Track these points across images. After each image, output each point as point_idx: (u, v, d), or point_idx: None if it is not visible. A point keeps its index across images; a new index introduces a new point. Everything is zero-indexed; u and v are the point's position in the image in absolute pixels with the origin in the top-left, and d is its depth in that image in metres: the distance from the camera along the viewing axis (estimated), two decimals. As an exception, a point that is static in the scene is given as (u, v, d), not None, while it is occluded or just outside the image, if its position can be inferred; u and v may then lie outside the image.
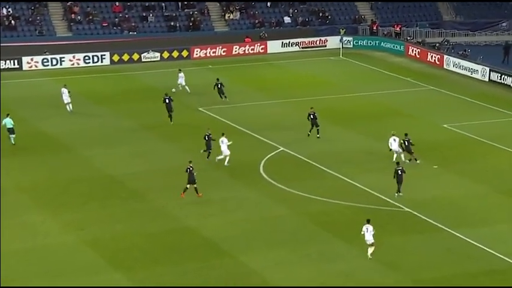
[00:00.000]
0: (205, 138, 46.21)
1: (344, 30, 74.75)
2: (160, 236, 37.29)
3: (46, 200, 41.23)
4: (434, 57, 70.00)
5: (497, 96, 60.87)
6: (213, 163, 46.06)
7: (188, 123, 53.99)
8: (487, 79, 65.01)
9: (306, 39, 74.64)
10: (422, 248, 36.38)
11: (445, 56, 69.21)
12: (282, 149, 48.88)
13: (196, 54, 71.85)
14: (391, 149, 45.57)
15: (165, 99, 52.91)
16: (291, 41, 74.11)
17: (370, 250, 35.04)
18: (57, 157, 47.24)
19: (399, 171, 41.49)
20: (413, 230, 38.28)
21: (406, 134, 45.75)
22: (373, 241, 34.98)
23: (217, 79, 58.13)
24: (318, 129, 50.19)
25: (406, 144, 45.44)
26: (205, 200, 41.06)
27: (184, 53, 71.37)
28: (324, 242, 37.00)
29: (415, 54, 72.05)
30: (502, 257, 35.46)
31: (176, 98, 56.17)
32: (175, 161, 46.61)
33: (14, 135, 48.59)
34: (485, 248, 36.24)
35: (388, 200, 41.44)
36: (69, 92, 55.03)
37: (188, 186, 40.80)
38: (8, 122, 48.55)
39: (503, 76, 63.81)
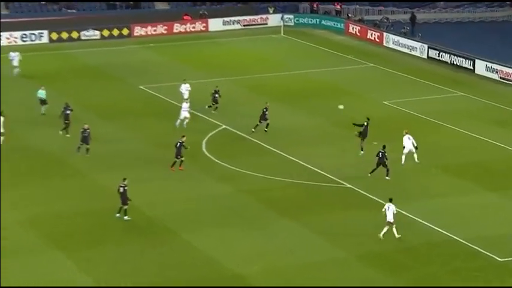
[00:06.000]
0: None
1: (273, 8, 75.25)
2: (101, 215, 36.95)
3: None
4: (374, 34, 70.56)
5: (435, 73, 61.75)
6: (153, 143, 45.92)
7: (129, 100, 53.74)
8: (425, 56, 65.83)
9: (248, 17, 74.47)
10: (364, 224, 36.70)
11: (385, 34, 69.81)
12: (224, 126, 48.76)
13: (137, 32, 71.14)
14: (404, 147, 43.46)
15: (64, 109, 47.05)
16: (232, 18, 73.81)
17: (385, 229, 34.74)
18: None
19: (380, 153, 41.12)
20: (355, 206, 38.64)
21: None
22: (392, 220, 34.72)
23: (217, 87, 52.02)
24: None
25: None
26: (147, 179, 40.86)
27: (125, 31, 70.66)
28: (267, 219, 37.11)
29: (355, 32, 72.50)
30: (439, 229, 36.05)
31: (119, 76, 55.55)
32: (116, 139, 46.31)
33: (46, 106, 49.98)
34: (423, 222, 36.79)
35: (330, 176, 41.74)
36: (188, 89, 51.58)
37: (176, 159, 41.69)
38: (42, 93, 50.26)
39: (441, 53, 64.69)
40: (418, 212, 37.58)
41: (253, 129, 47.27)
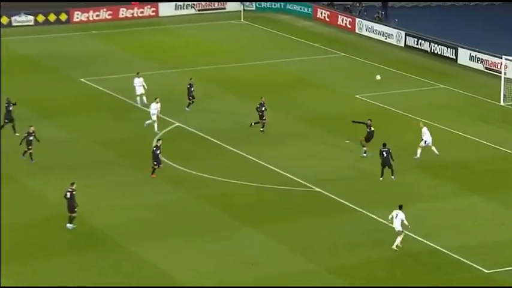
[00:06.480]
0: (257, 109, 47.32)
1: None
2: (39, 225, 36.77)
3: None
4: (346, 20, 70.92)
5: (414, 63, 62.28)
6: (98, 144, 45.62)
7: (70, 95, 53.72)
8: (402, 44, 66.29)
9: (203, 1, 74.72)
10: (335, 232, 36.79)
11: (357, 20, 70.17)
12: (177, 124, 48.78)
13: (77, 17, 71.03)
14: (424, 141, 44.33)
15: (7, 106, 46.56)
16: (186, 2, 74.12)
17: (398, 240, 34.88)
18: None
19: (384, 152, 41.49)
20: (325, 212, 38.72)
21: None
22: (401, 229, 34.82)
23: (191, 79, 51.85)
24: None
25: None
26: (91, 184, 40.67)
27: (63, 17, 70.64)
28: (226, 227, 37.11)
29: (324, 17, 72.87)
30: (419, 239, 36.18)
31: (57, 67, 55.42)
32: (56, 140, 46.15)
33: None
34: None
35: (296, 179, 41.84)
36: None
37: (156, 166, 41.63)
38: None
39: (419, 41, 65.16)
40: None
41: (253, 123, 47.74)
